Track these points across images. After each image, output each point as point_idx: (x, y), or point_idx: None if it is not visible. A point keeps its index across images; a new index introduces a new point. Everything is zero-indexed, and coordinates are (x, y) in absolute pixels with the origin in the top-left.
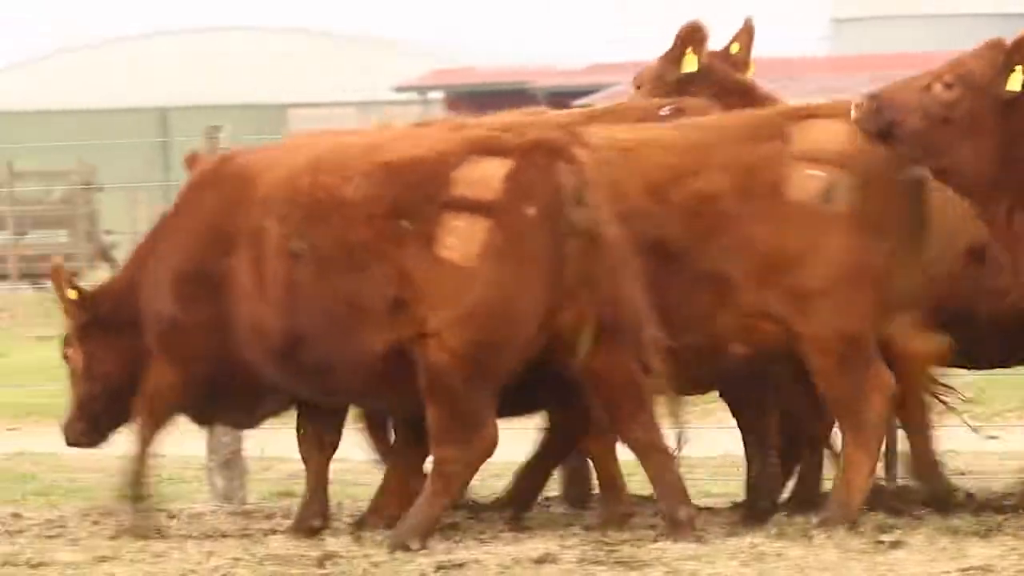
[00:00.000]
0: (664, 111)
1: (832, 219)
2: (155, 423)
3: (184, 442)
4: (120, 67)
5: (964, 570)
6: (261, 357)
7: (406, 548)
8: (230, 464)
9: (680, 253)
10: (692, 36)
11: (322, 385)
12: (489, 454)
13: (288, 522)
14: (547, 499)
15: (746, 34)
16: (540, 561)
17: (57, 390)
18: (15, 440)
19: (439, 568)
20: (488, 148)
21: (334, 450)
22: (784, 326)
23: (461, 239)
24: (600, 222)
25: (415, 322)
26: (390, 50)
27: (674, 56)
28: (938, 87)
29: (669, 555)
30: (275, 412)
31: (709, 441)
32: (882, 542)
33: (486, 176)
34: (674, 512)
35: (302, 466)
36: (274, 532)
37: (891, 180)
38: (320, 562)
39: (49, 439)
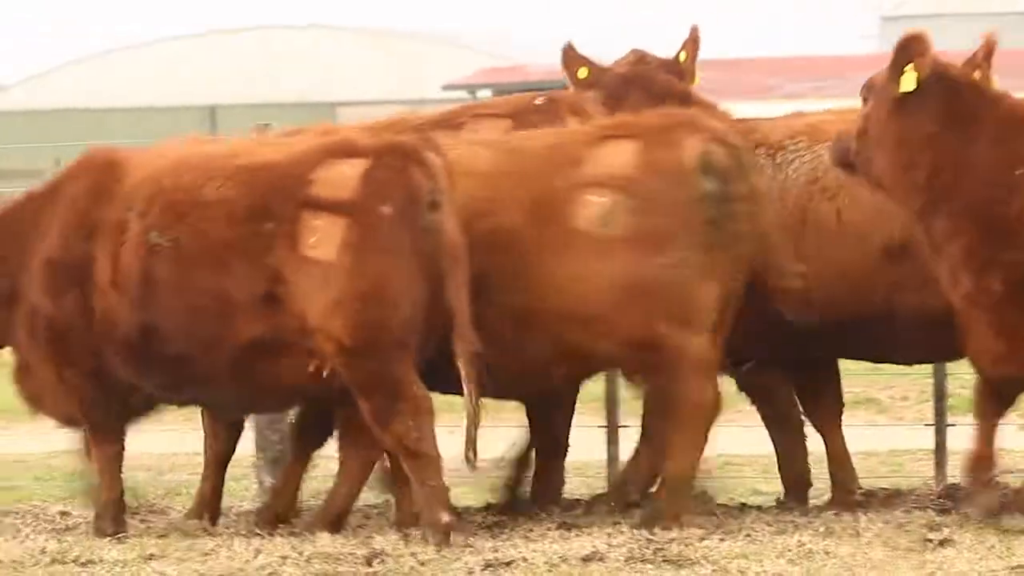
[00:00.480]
0: (538, 101)
1: (610, 243)
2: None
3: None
4: (170, 65)
5: (1013, 568)
6: (114, 350)
7: (438, 529)
8: (278, 462)
9: (484, 286)
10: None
11: (178, 379)
12: (431, 415)
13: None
14: (594, 497)
15: (692, 43)
16: (588, 559)
17: None
18: (62, 438)
19: (487, 566)
20: (344, 151)
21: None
22: (587, 351)
23: (322, 237)
24: (446, 226)
25: (292, 318)
26: (441, 48)
27: (621, 62)
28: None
29: (717, 553)
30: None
31: (756, 440)
32: (930, 540)
33: (343, 177)
34: (434, 517)
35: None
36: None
37: (676, 198)
38: (368, 560)
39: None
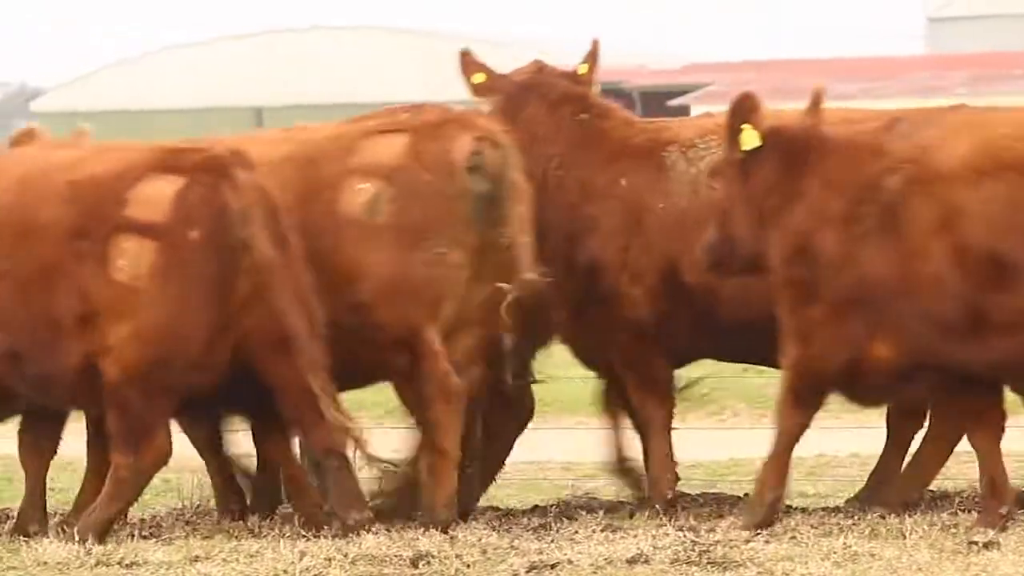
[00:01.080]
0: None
1: (375, 230)
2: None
3: None
4: (217, 66)
5: None
6: None
7: (83, 543)
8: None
9: None
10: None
11: (41, 394)
12: (161, 463)
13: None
14: (639, 499)
15: (592, 56)
16: (632, 561)
17: None
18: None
19: (531, 568)
20: (165, 167)
21: (52, 456)
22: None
23: (130, 260)
24: (256, 241)
25: (97, 337)
26: (483, 50)
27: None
28: None
29: (762, 555)
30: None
31: (803, 442)
32: (975, 543)
33: (156, 196)
34: (346, 516)
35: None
36: (367, 532)
37: (440, 193)
38: (413, 562)
39: None
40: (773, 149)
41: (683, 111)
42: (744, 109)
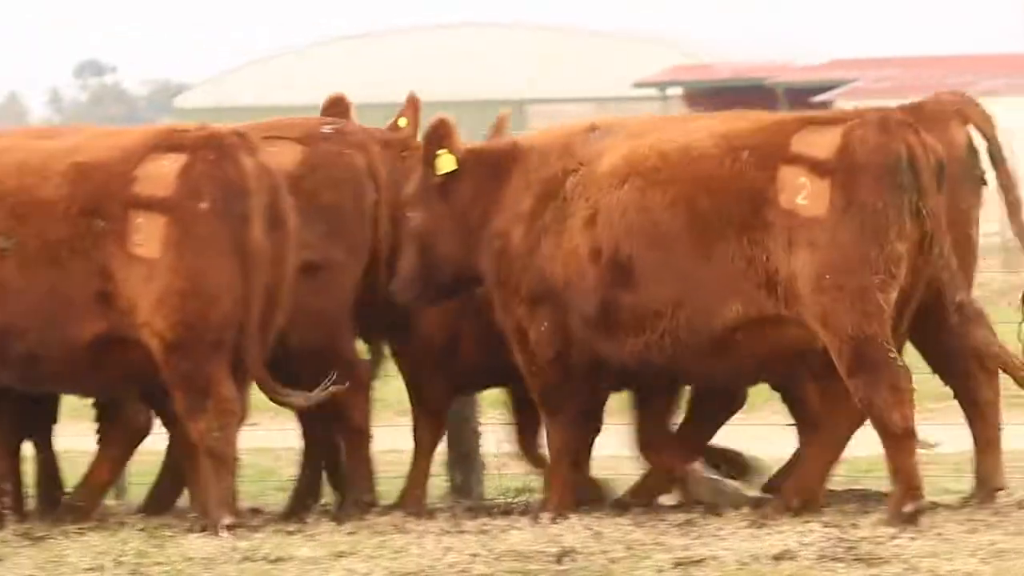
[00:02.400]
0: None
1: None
2: None
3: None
4: (350, 63)
5: None
6: None
7: (215, 528)
8: (468, 459)
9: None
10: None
11: (28, 375)
12: (234, 414)
13: (525, 518)
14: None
15: (411, 107)
16: (779, 557)
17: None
18: (255, 436)
19: (677, 564)
20: (167, 145)
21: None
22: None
23: (144, 235)
24: (253, 227)
25: (124, 314)
26: (630, 45)
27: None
28: None
29: (908, 552)
30: None
31: (947, 438)
32: None
33: (162, 173)
34: (216, 517)
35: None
36: (512, 528)
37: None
38: (558, 558)
39: (287, 435)
40: (473, 166)
41: (827, 107)
42: (438, 135)
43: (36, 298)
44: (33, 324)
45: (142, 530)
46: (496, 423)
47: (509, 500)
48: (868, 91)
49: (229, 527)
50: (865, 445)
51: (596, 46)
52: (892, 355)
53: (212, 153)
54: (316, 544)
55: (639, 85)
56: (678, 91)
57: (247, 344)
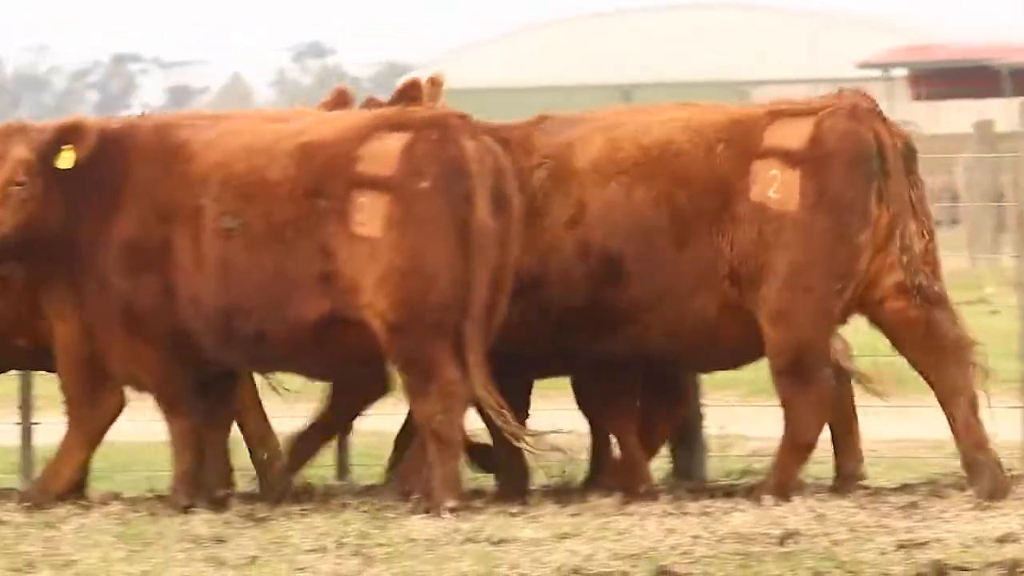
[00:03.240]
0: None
1: None
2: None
3: None
4: (584, 43)
5: None
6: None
7: (438, 510)
8: (689, 440)
9: None
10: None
11: (255, 355)
12: (458, 397)
13: (748, 500)
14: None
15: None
16: (1002, 540)
17: None
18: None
19: (900, 546)
20: (392, 124)
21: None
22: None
23: (367, 214)
24: (478, 209)
25: (346, 294)
26: (856, 27)
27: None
28: None
29: None
30: None
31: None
32: None
33: (386, 152)
34: (440, 500)
35: (763, 444)
36: (735, 510)
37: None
38: (781, 540)
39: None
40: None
41: None
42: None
43: (262, 278)
44: (259, 304)
45: (365, 511)
46: (719, 404)
47: (732, 482)
48: None
49: (452, 510)
50: None
51: (816, 27)
52: (826, 370)
53: (435, 133)
54: (539, 526)
55: (863, 66)
56: (902, 72)
57: (469, 329)
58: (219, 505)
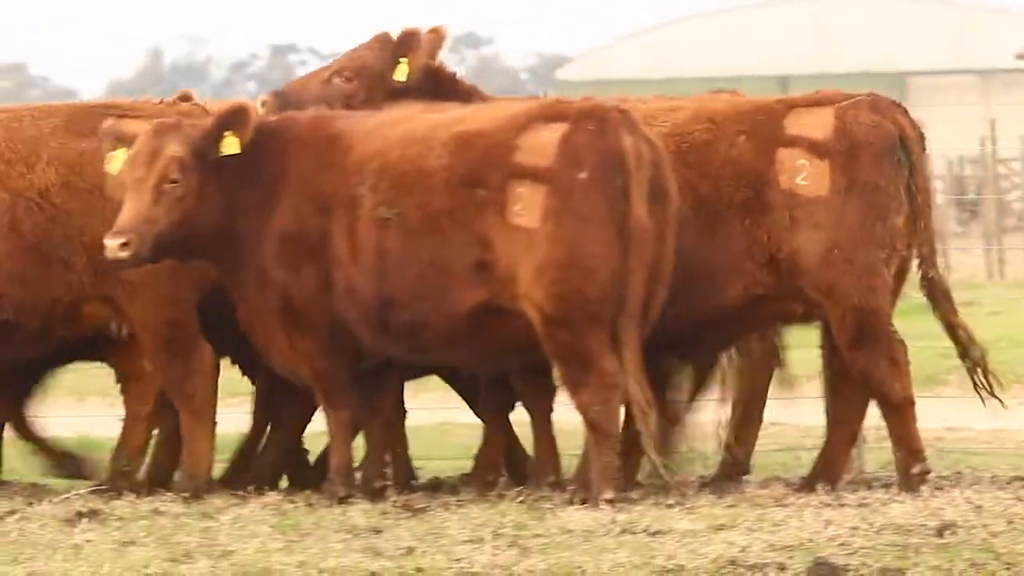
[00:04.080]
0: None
1: None
2: None
3: (805, 412)
4: (740, 35)
5: None
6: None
7: (595, 501)
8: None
9: None
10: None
11: (412, 345)
12: (619, 391)
13: (906, 492)
14: None
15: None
16: None
17: None
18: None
19: None
20: (548, 115)
21: (384, 415)
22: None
23: (524, 204)
24: (635, 205)
25: (503, 284)
26: (1012, 19)
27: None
28: (337, 80)
29: None
30: None
31: None
32: None
33: (543, 142)
34: (598, 492)
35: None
36: (893, 501)
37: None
38: (939, 532)
39: None
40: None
41: None
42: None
43: (418, 268)
44: (415, 294)
45: (521, 502)
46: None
47: (890, 473)
48: None
49: (609, 501)
50: None
51: (973, 19)
52: (893, 329)
53: (593, 124)
54: (695, 517)
55: (1021, 57)
56: None
57: (625, 322)
58: (376, 496)
